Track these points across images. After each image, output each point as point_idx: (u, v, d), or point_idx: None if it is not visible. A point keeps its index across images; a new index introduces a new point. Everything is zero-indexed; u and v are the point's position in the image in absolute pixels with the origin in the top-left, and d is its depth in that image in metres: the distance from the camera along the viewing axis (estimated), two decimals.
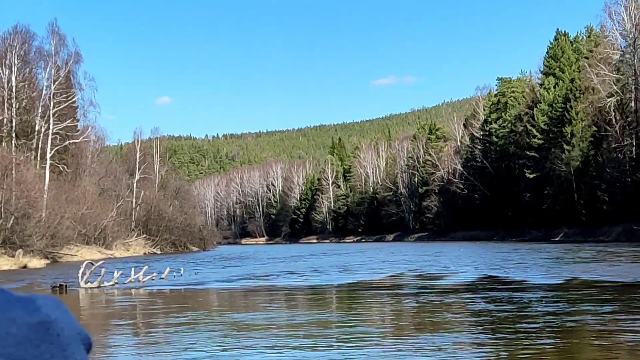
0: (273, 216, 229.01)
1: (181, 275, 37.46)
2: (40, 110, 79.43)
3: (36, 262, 57.07)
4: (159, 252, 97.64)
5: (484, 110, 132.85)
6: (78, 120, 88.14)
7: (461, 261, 48.87)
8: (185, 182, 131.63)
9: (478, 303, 21.86)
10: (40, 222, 66.24)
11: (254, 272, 40.80)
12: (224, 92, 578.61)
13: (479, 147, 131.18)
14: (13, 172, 62.89)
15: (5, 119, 75.53)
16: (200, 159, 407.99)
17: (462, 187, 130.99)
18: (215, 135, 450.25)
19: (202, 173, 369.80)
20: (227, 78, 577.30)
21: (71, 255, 71.33)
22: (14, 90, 76.06)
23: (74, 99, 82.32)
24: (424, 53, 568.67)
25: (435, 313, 19.89)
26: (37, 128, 79.04)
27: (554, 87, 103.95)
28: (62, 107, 79.25)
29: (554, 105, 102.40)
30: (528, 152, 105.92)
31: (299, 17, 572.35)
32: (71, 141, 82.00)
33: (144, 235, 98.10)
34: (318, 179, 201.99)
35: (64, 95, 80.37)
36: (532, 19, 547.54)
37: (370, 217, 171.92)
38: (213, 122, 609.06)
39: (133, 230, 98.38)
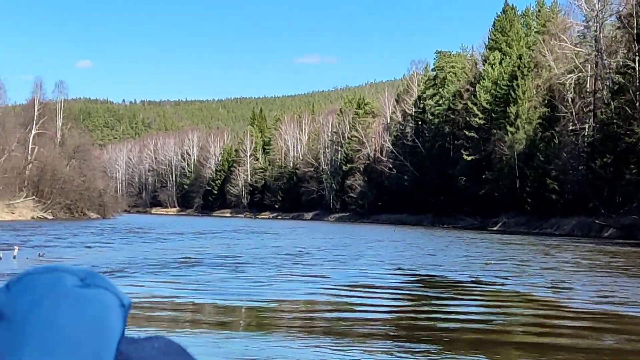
0: (186, 186, 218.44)
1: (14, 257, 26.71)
2: None
3: None
4: (50, 217, 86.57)
5: (419, 86, 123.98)
6: None
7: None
8: (89, 141, 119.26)
9: None
10: None
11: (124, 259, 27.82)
12: (145, 59, 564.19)
13: (411, 124, 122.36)
14: None
15: None
16: (115, 123, 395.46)
17: (390, 166, 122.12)
18: (133, 101, 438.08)
19: (116, 138, 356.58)
20: (150, 46, 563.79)
21: None
22: None
23: None
24: (350, 32, 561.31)
25: None
26: None
27: (500, 64, 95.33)
28: None
29: (498, 82, 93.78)
30: (467, 132, 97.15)
31: None
32: None
33: (34, 197, 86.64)
34: (236, 150, 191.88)
35: None
36: None
37: (289, 194, 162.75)
38: (132, 88, 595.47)
39: (22, 190, 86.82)
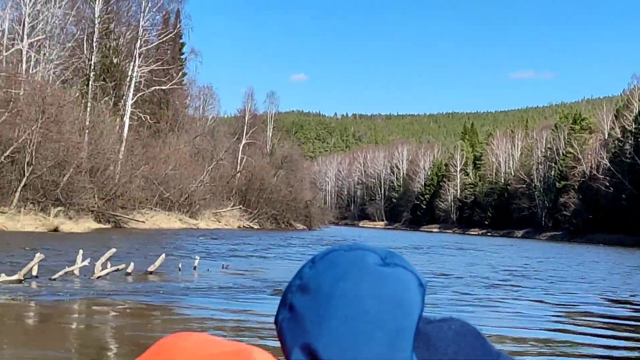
0: (394, 200, 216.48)
1: (179, 270, 24.64)
2: (126, 50, 68.96)
3: (72, 226, 46.02)
4: (256, 226, 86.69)
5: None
6: (179, 69, 78.00)
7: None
8: (298, 152, 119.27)
9: None
10: (106, 178, 55.73)
11: None
12: (358, 73, 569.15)
13: (631, 141, 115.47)
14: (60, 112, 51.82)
15: (85, 57, 65.35)
16: (326, 136, 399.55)
17: (606, 184, 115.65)
18: (345, 114, 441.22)
19: (326, 150, 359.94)
20: (363, 59, 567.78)
21: (140, 221, 60.41)
22: (96, 22, 65.66)
23: (166, 39, 71.46)
24: (566, 47, 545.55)
25: None
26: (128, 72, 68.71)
27: None
28: (149, 46, 68.51)
29: None
30: None
31: (440, 7, 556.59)
32: (156, 87, 71.13)
33: (241, 206, 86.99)
34: (445, 165, 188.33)
35: (157, 34, 69.67)
36: None
37: (499, 210, 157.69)
38: (344, 101, 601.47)
39: (229, 199, 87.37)
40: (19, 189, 44.51)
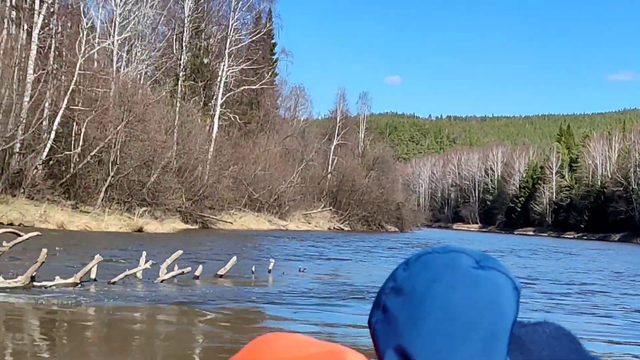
0: (489, 202, 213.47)
1: (252, 273, 23.52)
2: (216, 49, 68.63)
3: (157, 226, 45.43)
4: (347, 228, 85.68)
5: None
6: (270, 69, 77.53)
7: None
8: (390, 153, 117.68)
9: None
10: (195, 179, 55.31)
11: None
12: (452, 75, 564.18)
13: None
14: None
15: (175, 57, 65.19)
16: (420, 137, 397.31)
17: None
18: (439, 116, 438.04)
19: (420, 152, 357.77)
20: (457, 61, 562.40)
21: (228, 222, 59.82)
22: (186, 22, 65.41)
23: (256, 38, 70.88)
24: None
25: None
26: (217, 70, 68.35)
27: None
28: (239, 46, 67.94)
29: None
30: None
31: (535, 8, 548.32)
32: (246, 87, 70.51)
33: (331, 207, 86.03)
34: (541, 167, 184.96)
35: (247, 33, 69.25)
36: None
37: (595, 213, 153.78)
38: (439, 103, 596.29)
39: (320, 201, 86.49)
40: (104, 189, 44.16)
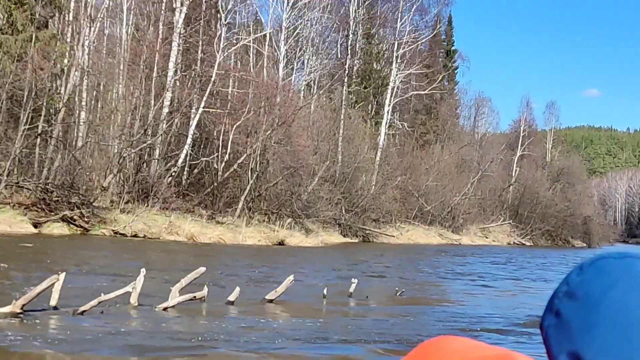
0: None
1: (323, 296, 18.43)
2: (387, 55, 65.79)
3: (301, 239, 42.40)
4: (528, 243, 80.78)
5: None
6: (444, 76, 74.12)
7: None
8: (578, 164, 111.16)
9: None
10: (358, 189, 52.61)
11: None
12: None
13: None
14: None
15: (343, 62, 62.85)
16: (617, 151, 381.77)
17: None
18: (638, 129, 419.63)
19: (617, 166, 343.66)
20: None
21: (392, 236, 56.58)
22: (351, 26, 62.86)
23: (428, 44, 67.60)
24: None
25: None
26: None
27: None
28: (409, 49, 64.75)
29: None
30: None
31: None
32: (415, 93, 67.19)
33: (510, 221, 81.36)
34: None
35: (420, 38, 66.02)
36: None
37: None
38: (638, 116, 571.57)
39: (500, 214, 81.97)
40: (243, 198, 41.51)
